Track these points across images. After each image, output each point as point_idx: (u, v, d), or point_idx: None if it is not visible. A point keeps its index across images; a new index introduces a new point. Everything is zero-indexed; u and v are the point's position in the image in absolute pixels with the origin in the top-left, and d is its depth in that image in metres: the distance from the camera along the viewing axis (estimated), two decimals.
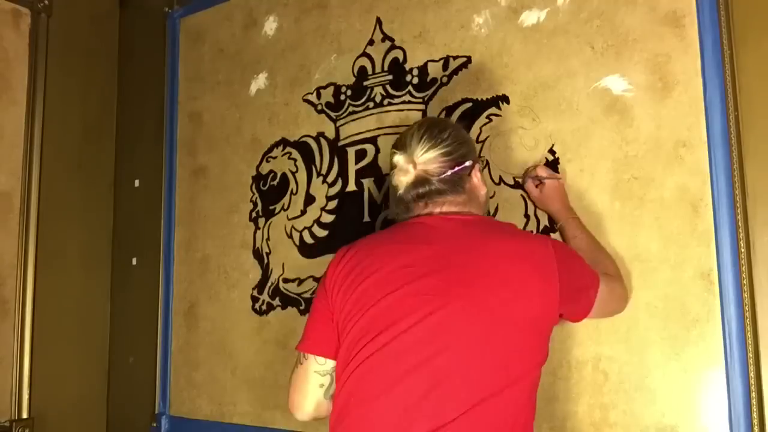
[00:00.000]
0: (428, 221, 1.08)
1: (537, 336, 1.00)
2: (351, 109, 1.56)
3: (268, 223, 1.67)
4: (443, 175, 1.08)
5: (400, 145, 1.12)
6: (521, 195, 1.31)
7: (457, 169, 1.09)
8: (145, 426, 1.84)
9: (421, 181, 1.08)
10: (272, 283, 1.64)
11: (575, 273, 1.04)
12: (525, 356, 0.98)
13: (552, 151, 1.29)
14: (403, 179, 1.10)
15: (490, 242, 1.02)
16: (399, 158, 1.10)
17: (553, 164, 1.28)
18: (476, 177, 1.13)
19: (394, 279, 1.00)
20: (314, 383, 1.09)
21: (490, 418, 0.93)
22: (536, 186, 1.27)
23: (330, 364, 1.08)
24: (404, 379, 0.95)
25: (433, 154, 1.08)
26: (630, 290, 1.19)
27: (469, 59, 1.41)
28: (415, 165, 1.08)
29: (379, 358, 0.97)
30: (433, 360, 0.94)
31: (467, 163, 1.10)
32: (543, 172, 1.27)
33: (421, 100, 1.45)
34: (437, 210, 1.09)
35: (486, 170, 1.35)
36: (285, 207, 1.65)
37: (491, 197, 1.34)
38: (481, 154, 1.36)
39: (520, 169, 1.32)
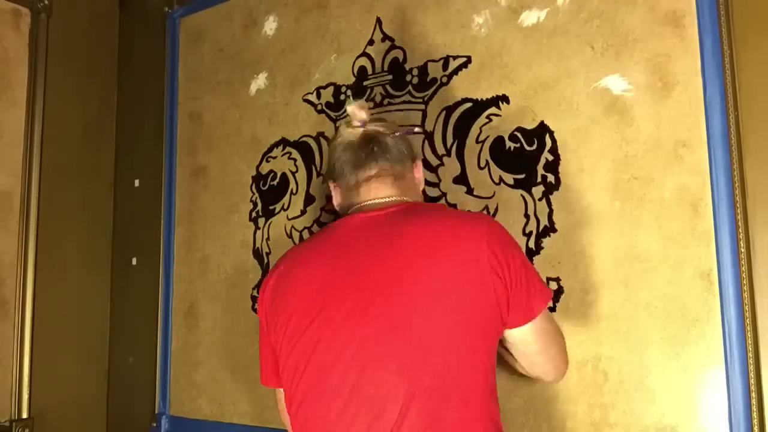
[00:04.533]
0: (348, 226, 1.02)
1: (472, 330, 0.92)
2: None
3: (268, 223, 1.67)
4: (395, 134, 1.08)
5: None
6: (521, 195, 1.31)
7: (406, 131, 1.11)
8: (145, 426, 1.84)
9: (371, 136, 1.06)
10: None
11: (515, 265, 0.95)
12: (463, 357, 0.91)
13: (552, 151, 1.28)
14: (351, 131, 1.07)
15: (408, 240, 0.94)
16: (353, 108, 1.07)
17: (553, 164, 1.28)
18: (417, 169, 1.14)
19: (313, 305, 0.96)
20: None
21: (442, 428, 0.89)
22: None
23: None
24: (344, 414, 0.91)
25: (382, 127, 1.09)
26: (630, 290, 1.18)
27: (469, 59, 1.41)
28: (365, 124, 1.07)
29: (316, 396, 0.94)
30: (366, 386, 0.90)
31: (417, 129, 1.16)
32: None
33: (421, 100, 1.45)
34: (370, 196, 1.05)
35: (486, 170, 1.36)
36: (285, 207, 1.65)
37: (491, 197, 1.34)
38: (481, 155, 1.36)
39: (519, 168, 1.32)
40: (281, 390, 1.09)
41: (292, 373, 0.97)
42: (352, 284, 0.94)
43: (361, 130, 1.05)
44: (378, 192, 1.05)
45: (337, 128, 1.11)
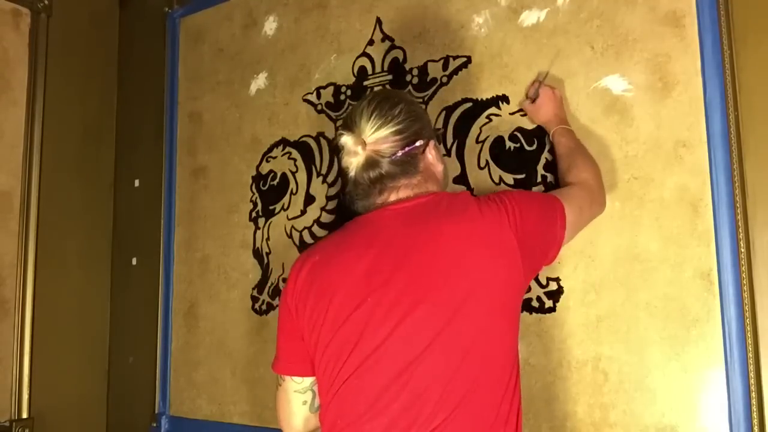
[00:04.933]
0: (382, 217, 1.03)
1: (507, 317, 0.98)
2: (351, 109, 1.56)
3: (268, 223, 1.67)
4: (395, 156, 1.02)
5: (348, 124, 1.06)
6: None
7: (408, 149, 1.03)
8: (145, 426, 1.84)
9: (371, 163, 1.02)
10: (272, 283, 1.64)
11: (537, 229, 1.01)
12: (499, 342, 0.96)
13: (552, 151, 1.28)
14: (353, 161, 1.04)
15: (445, 229, 0.98)
16: (347, 139, 1.04)
17: (553, 164, 1.28)
18: (431, 154, 1.07)
19: (358, 292, 0.97)
20: (297, 402, 1.09)
21: (474, 411, 0.92)
22: (532, 103, 1.28)
23: (308, 380, 1.08)
24: (385, 394, 0.93)
25: (384, 132, 1.02)
26: (630, 290, 1.19)
27: (469, 59, 1.41)
28: (364, 145, 1.02)
29: (358, 376, 0.95)
30: (410, 370, 0.92)
31: (419, 143, 1.05)
32: (532, 88, 1.28)
33: (421, 100, 1.45)
34: (392, 197, 1.04)
35: (486, 170, 1.36)
36: (285, 207, 1.65)
37: None
38: (481, 155, 1.36)
39: (519, 168, 1.32)
40: (291, 378, 1.09)
41: (335, 359, 0.97)
42: (397, 272, 0.96)
43: (361, 157, 1.03)
44: (399, 196, 1.06)
45: (337, 138, 1.07)
